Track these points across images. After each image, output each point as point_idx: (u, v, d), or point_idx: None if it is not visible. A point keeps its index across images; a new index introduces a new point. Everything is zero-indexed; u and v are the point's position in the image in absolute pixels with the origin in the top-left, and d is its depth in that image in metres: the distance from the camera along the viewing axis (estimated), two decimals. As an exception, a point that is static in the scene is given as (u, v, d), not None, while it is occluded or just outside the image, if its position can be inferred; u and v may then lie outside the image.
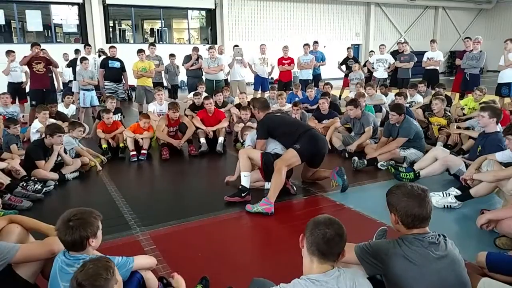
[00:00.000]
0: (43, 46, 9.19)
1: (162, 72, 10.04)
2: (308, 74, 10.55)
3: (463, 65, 9.08)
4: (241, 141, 6.31)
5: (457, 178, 4.27)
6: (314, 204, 4.18)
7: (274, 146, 4.37)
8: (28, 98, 8.37)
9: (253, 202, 3.96)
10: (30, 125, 6.95)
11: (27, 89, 8.51)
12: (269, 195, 3.89)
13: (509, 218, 3.01)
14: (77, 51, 11.15)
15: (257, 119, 4.73)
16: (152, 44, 9.97)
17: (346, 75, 11.70)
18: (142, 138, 6.10)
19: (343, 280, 1.69)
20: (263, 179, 4.42)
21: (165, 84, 10.24)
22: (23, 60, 7.77)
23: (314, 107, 7.84)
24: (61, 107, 7.81)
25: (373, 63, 10.86)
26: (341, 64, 12.00)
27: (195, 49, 9.95)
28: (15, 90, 8.47)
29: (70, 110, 7.98)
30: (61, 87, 9.94)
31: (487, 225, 3.13)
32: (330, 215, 1.89)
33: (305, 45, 10.63)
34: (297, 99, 8.30)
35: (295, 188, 4.41)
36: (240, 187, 4.16)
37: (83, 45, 11.11)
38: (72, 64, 10.59)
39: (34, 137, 6.08)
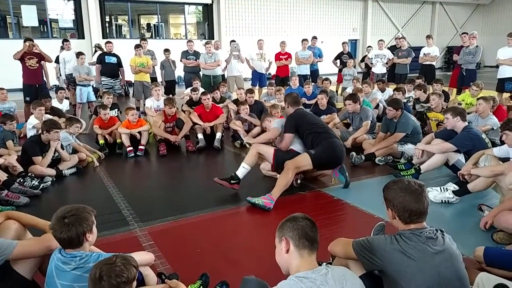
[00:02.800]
0: (38, 41, 9.11)
1: (156, 67, 9.99)
2: (306, 70, 10.53)
3: (460, 61, 9.07)
4: (241, 140, 6.28)
5: (455, 170, 4.29)
6: (312, 199, 4.18)
7: (293, 143, 4.37)
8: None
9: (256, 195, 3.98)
10: (26, 120, 6.91)
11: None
12: (272, 192, 3.90)
13: (506, 212, 3.03)
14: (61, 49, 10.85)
15: (287, 114, 4.70)
16: (143, 39, 9.94)
17: (340, 70, 11.71)
18: (139, 132, 6.06)
19: (332, 277, 1.69)
20: (272, 170, 4.48)
21: (159, 79, 10.19)
22: (16, 54, 7.72)
23: (312, 102, 7.84)
24: (54, 102, 7.75)
25: (371, 58, 10.85)
26: (336, 58, 11.95)
27: (190, 42, 9.95)
28: None
29: (64, 106, 7.92)
30: (51, 84, 9.77)
31: (488, 222, 3.14)
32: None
33: (303, 40, 10.58)
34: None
35: (299, 181, 4.42)
36: (233, 174, 4.22)
37: (61, 40, 10.68)
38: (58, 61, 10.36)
39: (30, 133, 6.04)
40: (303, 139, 4.36)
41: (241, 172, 4.21)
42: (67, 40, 10.17)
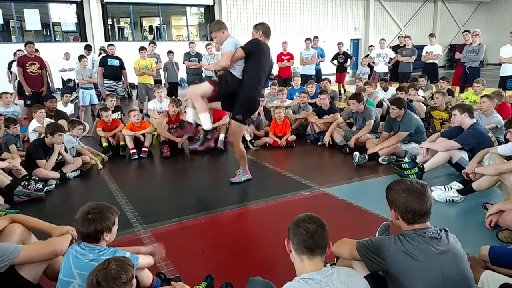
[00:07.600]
0: (42, 45, 9.19)
1: (160, 70, 10.02)
2: (310, 69, 10.45)
3: (463, 59, 9.03)
4: (247, 143, 6.25)
5: (459, 168, 4.27)
6: (315, 199, 4.17)
7: (234, 67, 4.25)
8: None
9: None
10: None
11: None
12: (241, 165, 4.58)
13: (512, 211, 3.01)
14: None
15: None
16: (153, 42, 9.97)
17: (338, 71, 11.87)
18: (142, 134, 6.08)
19: (337, 278, 1.69)
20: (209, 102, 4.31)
21: (163, 81, 10.22)
22: (18, 62, 7.76)
23: (314, 100, 7.83)
24: (59, 106, 7.77)
25: (373, 57, 10.83)
26: (333, 59, 12.01)
27: (192, 43, 9.99)
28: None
29: (68, 109, 7.94)
30: (55, 87, 9.87)
31: (493, 221, 3.13)
32: (309, 213, 1.87)
33: (306, 39, 10.53)
34: (297, 94, 8.27)
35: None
36: (204, 131, 4.25)
37: (84, 45, 10.97)
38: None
39: (32, 136, 6.07)
40: (245, 69, 4.24)
41: (206, 124, 4.17)
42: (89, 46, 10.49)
